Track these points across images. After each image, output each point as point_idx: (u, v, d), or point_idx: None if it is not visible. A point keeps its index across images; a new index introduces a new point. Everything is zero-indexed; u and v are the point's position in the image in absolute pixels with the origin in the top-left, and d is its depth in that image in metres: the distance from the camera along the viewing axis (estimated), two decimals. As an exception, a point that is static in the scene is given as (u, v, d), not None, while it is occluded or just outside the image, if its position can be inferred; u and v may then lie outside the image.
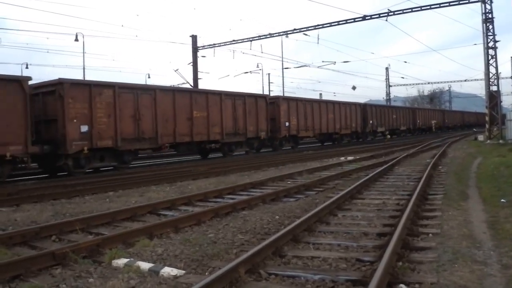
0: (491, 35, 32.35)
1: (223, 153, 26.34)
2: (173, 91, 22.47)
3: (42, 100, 17.62)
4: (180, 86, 32.97)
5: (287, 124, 30.93)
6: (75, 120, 17.41)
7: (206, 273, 5.32)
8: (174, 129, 21.80)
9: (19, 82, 15.54)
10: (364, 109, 43.70)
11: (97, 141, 18.08)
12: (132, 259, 5.83)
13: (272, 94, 52.46)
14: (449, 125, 75.93)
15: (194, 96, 23.34)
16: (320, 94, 72.58)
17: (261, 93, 29.68)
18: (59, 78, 17.43)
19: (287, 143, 32.50)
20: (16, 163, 15.74)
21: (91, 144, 17.85)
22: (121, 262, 5.70)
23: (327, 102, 37.94)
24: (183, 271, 5.35)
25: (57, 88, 17.23)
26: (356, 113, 41.65)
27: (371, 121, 44.21)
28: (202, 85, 38.59)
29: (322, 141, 38.83)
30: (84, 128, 17.66)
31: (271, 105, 29.83)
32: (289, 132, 31.27)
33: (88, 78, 39.04)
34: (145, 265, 5.52)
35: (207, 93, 24.56)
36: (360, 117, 42.46)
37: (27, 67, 45.25)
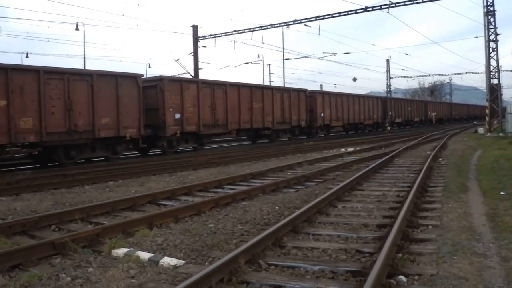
0: (492, 28, 32.27)
1: (270, 139, 29.84)
2: (238, 86, 26.08)
3: (144, 93, 20.31)
4: (180, 76, 32.97)
5: (322, 115, 34.70)
6: (171, 109, 21.25)
7: (206, 263, 5.33)
8: (239, 117, 25.83)
9: (135, 78, 19.47)
10: (385, 102, 47.41)
11: (186, 126, 22.03)
12: (131, 248, 5.83)
13: (273, 84, 52.50)
14: (456, 117, 78.78)
15: (253, 90, 27.21)
16: (321, 85, 72.33)
17: (302, 87, 33.13)
18: (160, 76, 21.59)
19: (321, 131, 36.31)
20: (131, 143, 19.86)
21: (182, 128, 21.81)
22: (120, 251, 5.71)
23: (354, 96, 41.17)
24: (183, 261, 5.35)
25: (158, 83, 21.09)
26: (378, 106, 45.33)
27: (390, 113, 47.10)
28: (202, 75, 38.56)
29: (347, 130, 41.69)
30: (177, 116, 21.58)
31: (309, 98, 33.34)
32: (324, 121, 35.08)
33: (88, 67, 38.93)
34: (144, 255, 5.52)
35: (262, 87, 29.23)
36: (381, 109, 46.00)
37: (27, 56, 45.19)
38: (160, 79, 21.25)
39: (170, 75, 22.40)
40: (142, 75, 20.23)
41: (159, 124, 20.86)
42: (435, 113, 64.63)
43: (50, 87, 16.28)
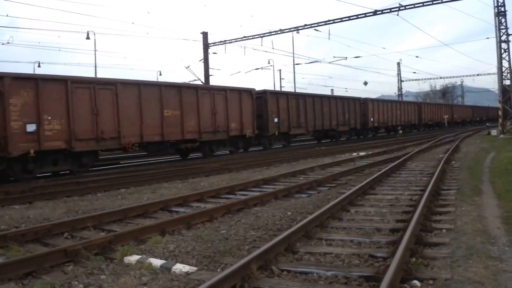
0: (503, 29, 32.08)
1: (203, 153, 23.83)
2: (139, 85, 19.65)
3: None
4: (190, 82, 32.91)
5: (276, 120, 28.32)
6: (18, 118, 15.19)
7: (218, 270, 5.31)
8: (140, 127, 19.33)
9: None
10: (364, 104, 40.68)
11: (45, 142, 15.82)
12: (144, 255, 5.83)
13: (283, 89, 52.33)
14: (458, 120, 72.09)
15: (164, 90, 20.67)
16: (332, 89, 72.51)
17: (247, 87, 25.43)
18: (2, 72, 15.31)
19: (277, 141, 29.96)
20: None
21: (39, 145, 15.60)
22: (133, 258, 5.71)
23: (322, 97, 34.81)
24: (195, 268, 5.34)
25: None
26: (355, 109, 38.82)
27: (372, 118, 41.39)
28: (213, 82, 38.49)
29: (319, 139, 36.23)
30: (31, 127, 15.47)
31: (258, 100, 27.02)
32: (279, 129, 28.67)
33: (99, 75, 38.30)
34: (157, 262, 5.51)
35: (180, 86, 22.24)
36: (360, 112, 39.59)
37: (39, 66, 45.56)
38: (0, 77, 14.90)
39: (28, 72, 16.22)
40: None
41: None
42: (447, 116, 63.53)
43: None
